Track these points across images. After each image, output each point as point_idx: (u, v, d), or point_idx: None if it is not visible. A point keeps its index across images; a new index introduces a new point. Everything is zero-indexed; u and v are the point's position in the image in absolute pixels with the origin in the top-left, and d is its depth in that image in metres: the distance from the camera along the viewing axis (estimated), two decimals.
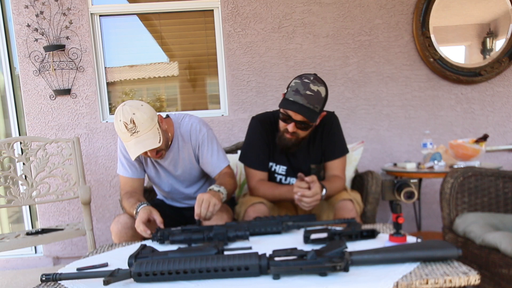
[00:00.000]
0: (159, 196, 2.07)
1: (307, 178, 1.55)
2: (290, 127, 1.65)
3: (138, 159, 1.80)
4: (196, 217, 1.47)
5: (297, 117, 1.62)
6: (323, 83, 1.66)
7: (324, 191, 1.61)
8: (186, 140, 1.77)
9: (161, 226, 1.47)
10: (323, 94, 1.63)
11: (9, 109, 3.00)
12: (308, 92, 1.59)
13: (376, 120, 2.93)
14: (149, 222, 1.51)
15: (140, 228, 1.46)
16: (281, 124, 1.72)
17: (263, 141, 1.83)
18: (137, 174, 1.81)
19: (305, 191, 1.54)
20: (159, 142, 1.55)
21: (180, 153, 1.79)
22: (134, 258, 1.09)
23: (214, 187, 1.59)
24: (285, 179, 1.88)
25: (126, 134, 1.53)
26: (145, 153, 1.59)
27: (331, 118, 1.84)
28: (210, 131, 1.81)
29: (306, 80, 1.61)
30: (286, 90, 1.68)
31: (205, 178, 1.94)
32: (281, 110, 1.68)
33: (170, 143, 1.75)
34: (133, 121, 1.50)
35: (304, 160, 1.84)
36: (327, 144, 1.82)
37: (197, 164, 1.83)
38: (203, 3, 2.90)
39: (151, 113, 1.57)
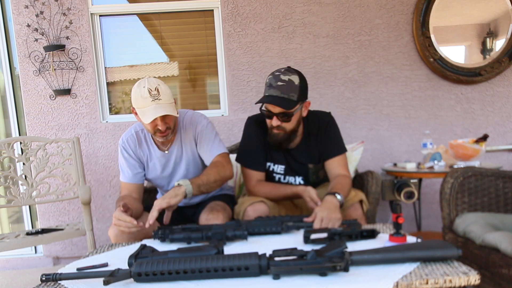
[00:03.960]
0: (160, 195, 2.07)
1: (316, 224, 1.41)
2: (274, 121, 1.69)
3: (140, 160, 1.82)
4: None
5: (275, 109, 1.66)
6: (296, 72, 1.69)
7: (339, 197, 1.54)
8: (188, 130, 1.81)
9: (122, 209, 1.47)
10: (296, 82, 1.66)
11: (9, 109, 3.00)
12: (279, 83, 1.64)
13: (376, 120, 2.93)
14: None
15: (117, 219, 1.46)
16: (267, 122, 1.75)
17: (260, 141, 1.84)
18: (134, 178, 1.81)
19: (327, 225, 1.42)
20: (177, 114, 1.63)
21: (183, 144, 1.81)
22: (134, 258, 1.09)
23: (181, 181, 1.58)
24: (284, 178, 1.88)
25: (147, 100, 1.56)
26: (155, 124, 1.61)
27: (327, 118, 1.85)
28: (210, 124, 1.84)
29: (277, 73, 1.67)
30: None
31: None
32: (262, 108, 1.72)
33: (175, 131, 1.79)
34: (157, 89, 1.58)
35: (301, 159, 1.84)
36: (324, 143, 1.82)
37: (198, 158, 1.84)
38: (203, 3, 2.90)
39: (171, 93, 1.66)
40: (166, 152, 1.81)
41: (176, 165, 1.84)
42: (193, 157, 1.84)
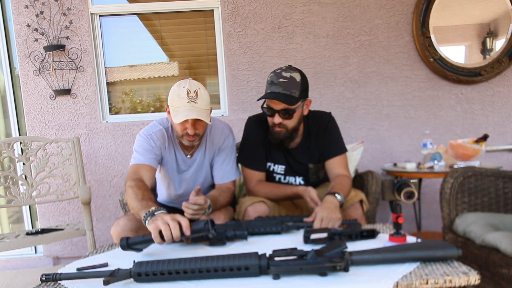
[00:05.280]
0: (160, 200, 2.01)
1: (316, 224, 1.43)
2: (276, 118, 1.69)
3: (161, 152, 1.74)
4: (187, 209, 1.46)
5: (278, 106, 1.66)
6: (297, 70, 1.71)
7: (339, 197, 1.55)
8: (215, 141, 1.79)
9: (188, 232, 1.23)
10: (297, 79, 1.67)
11: (9, 109, 3.00)
12: (281, 80, 1.64)
13: (376, 120, 2.93)
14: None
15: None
16: (269, 120, 1.75)
17: (260, 141, 1.84)
18: (150, 161, 1.68)
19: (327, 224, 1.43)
20: (209, 122, 1.60)
21: (207, 153, 1.80)
22: (126, 241, 1.13)
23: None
24: (284, 178, 1.88)
25: (183, 100, 1.54)
26: (185, 127, 1.58)
27: (327, 118, 1.85)
28: (234, 141, 1.86)
29: (278, 71, 1.68)
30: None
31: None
32: (264, 106, 1.72)
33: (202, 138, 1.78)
34: (196, 92, 1.55)
35: (302, 159, 1.84)
36: (324, 143, 1.82)
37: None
38: (203, 3, 2.90)
39: (209, 100, 1.64)
40: (189, 157, 1.79)
41: (195, 173, 1.81)
42: (210, 168, 1.84)
